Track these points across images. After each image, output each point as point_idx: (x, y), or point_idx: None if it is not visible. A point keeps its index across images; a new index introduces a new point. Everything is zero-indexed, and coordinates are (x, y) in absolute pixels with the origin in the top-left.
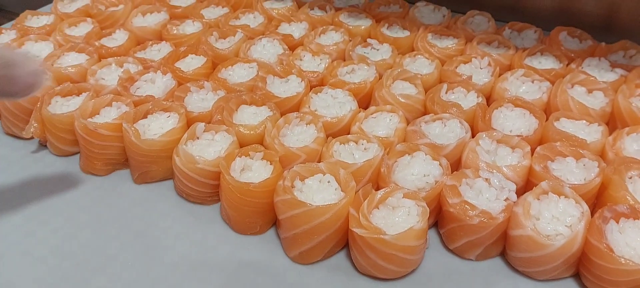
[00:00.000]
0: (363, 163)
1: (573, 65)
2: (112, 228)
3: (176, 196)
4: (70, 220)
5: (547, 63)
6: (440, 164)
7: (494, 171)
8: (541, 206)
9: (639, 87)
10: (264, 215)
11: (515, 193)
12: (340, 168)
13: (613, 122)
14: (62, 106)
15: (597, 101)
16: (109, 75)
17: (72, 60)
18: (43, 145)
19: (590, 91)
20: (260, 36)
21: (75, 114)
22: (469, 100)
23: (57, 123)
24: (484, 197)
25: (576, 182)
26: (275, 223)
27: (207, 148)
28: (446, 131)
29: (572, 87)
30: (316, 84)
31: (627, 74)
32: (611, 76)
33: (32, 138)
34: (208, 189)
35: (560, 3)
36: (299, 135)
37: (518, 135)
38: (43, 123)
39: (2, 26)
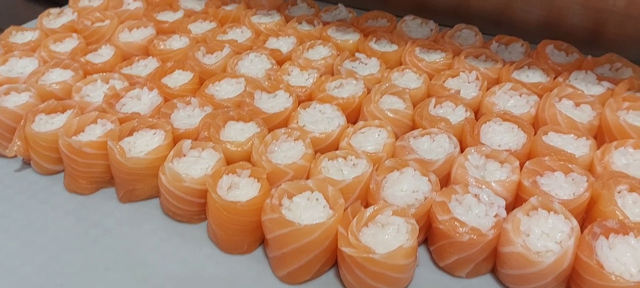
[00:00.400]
0: (352, 180)
1: (560, 79)
2: (97, 247)
3: (162, 214)
4: (55, 239)
5: (534, 76)
6: (429, 180)
7: (483, 187)
8: (531, 222)
9: (626, 100)
10: (251, 234)
11: (505, 208)
12: (328, 185)
13: (601, 135)
14: (46, 124)
15: (584, 115)
16: (94, 92)
17: (57, 77)
18: (27, 163)
19: (577, 104)
20: (248, 51)
21: (60, 132)
22: (457, 115)
23: (40, 141)
24: (474, 213)
25: (565, 197)
26: (263, 242)
27: (194, 165)
28: (435, 146)
29: (560, 100)
30: (304, 99)
31: (613, 87)
32: (598, 89)
33: (15, 156)
34: (195, 207)
35: (547, 16)
36: (287, 152)
37: (506, 150)
38: (27, 141)
39: None
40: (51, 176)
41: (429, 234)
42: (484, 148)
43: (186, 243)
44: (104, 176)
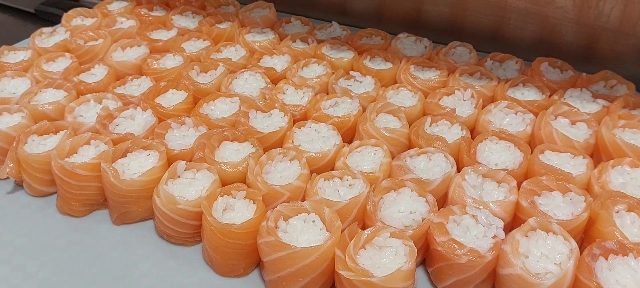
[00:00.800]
0: (348, 201)
1: (555, 97)
2: (90, 271)
3: (157, 237)
4: (48, 263)
5: (529, 94)
6: (426, 201)
7: (481, 207)
8: (529, 243)
9: (621, 118)
10: (247, 257)
11: (503, 229)
12: (325, 206)
13: (597, 153)
14: (39, 145)
15: (580, 133)
16: (88, 112)
17: (50, 97)
18: (19, 185)
19: (573, 123)
20: (243, 69)
21: (52, 153)
22: (453, 133)
23: (33, 163)
24: (472, 234)
25: (563, 217)
26: (259, 264)
27: (188, 187)
28: (431, 165)
29: (556, 118)
30: (299, 118)
31: (609, 105)
32: (593, 107)
33: (7, 178)
34: (189, 230)
35: (540, 34)
36: (282, 172)
37: (503, 170)
38: (19, 163)
39: None
40: (44, 198)
41: (427, 255)
42: (481, 167)
43: (181, 267)
44: (97, 198)
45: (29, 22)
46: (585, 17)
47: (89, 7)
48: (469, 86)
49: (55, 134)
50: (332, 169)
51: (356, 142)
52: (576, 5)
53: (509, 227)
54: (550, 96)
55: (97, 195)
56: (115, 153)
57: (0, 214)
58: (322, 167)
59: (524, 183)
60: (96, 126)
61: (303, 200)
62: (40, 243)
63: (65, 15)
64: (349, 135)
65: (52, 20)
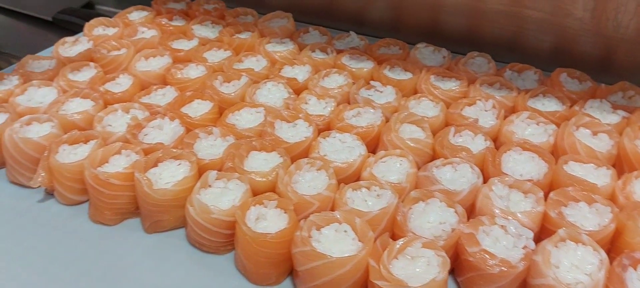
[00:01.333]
0: (379, 212)
1: (576, 107)
2: (124, 280)
3: (188, 245)
4: (81, 273)
5: (550, 105)
6: (456, 211)
7: (510, 218)
8: (560, 254)
9: None
10: (280, 266)
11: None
12: (356, 216)
13: (619, 164)
14: (70, 154)
15: (602, 144)
16: (116, 122)
17: (77, 107)
18: (49, 194)
19: (595, 133)
20: (265, 80)
21: (85, 163)
22: (477, 144)
23: (65, 172)
24: (502, 244)
25: (591, 228)
26: (291, 273)
27: (221, 197)
28: (457, 176)
29: (577, 129)
30: (323, 128)
31: (629, 116)
32: (614, 118)
33: (39, 187)
34: (222, 239)
35: (558, 44)
36: (310, 182)
37: (529, 180)
38: (51, 172)
39: (3, 71)
40: (74, 206)
41: (456, 265)
42: (507, 178)
43: (214, 275)
44: (129, 207)
45: (46, 30)
46: (604, 28)
47: (105, 16)
48: (490, 97)
49: (85, 143)
50: (358, 179)
51: (381, 152)
52: (595, 17)
53: (535, 238)
54: (570, 107)
55: (129, 204)
56: (147, 163)
57: (33, 223)
58: (348, 177)
59: (551, 194)
60: (126, 136)
61: (331, 210)
62: (74, 252)
63: (87, 24)
64: (372, 145)
65: (69, 28)
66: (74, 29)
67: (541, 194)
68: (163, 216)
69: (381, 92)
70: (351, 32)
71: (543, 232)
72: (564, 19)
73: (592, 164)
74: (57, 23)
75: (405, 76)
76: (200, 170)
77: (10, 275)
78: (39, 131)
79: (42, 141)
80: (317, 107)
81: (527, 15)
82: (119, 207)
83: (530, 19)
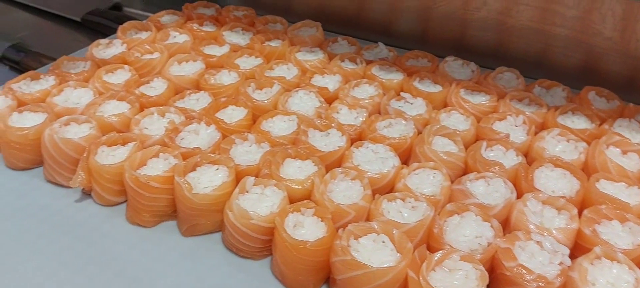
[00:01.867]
0: (416, 224)
1: (606, 126)
2: (160, 283)
3: (225, 249)
4: (120, 274)
5: (579, 122)
6: (491, 226)
7: (546, 234)
8: (595, 271)
9: None
10: (317, 273)
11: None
12: (393, 228)
13: None
14: (108, 156)
15: (632, 163)
16: (152, 125)
17: (114, 109)
18: (86, 194)
19: (624, 152)
20: (297, 88)
21: (126, 165)
22: (509, 158)
23: (104, 173)
24: (538, 260)
25: (624, 247)
26: (326, 281)
27: (258, 203)
28: (491, 190)
29: (608, 147)
30: (355, 138)
31: None
32: None
33: (78, 187)
34: (259, 244)
35: (585, 62)
36: (345, 191)
37: (562, 197)
38: (90, 172)
39: (38, 70)
40: (111, 207)
41: (491, 280)
42: (541, 194)
43: (250, 280)
44: (166, 210)
45: (74, 30)
46: (633, 49)
47: (133, 17)
48: (520, 112)
49: (123, 145)
50: (391, 189)
51: (415, 164)
52: (624, 37)
53: (569, 255)
54: (599, 125)
55: (167, 206)
56: (186, 167)
57: (71, 223)
58: (381, 188)
59: (585, 211)
60: (165, 140)
61: (366, 220)
62: (110, 253)
63: (120, 27)
64: (404, 156)
65: (97, 29)
66: (102, 30)
67: (575, 211)
68: (201, 220)
69: (411, 103)
70: (379, 43)
71: (576, 249)
72: (593, 38)
73: (624, 183)
74: (86, 24)
75: (435, 89)
76: (237, 175)
77: (48, 273)
78: (77, 132)
79: (82, 142)
80: (349, 116)
81: (555, 33)
82: (157, 210)
83: (558, 36)
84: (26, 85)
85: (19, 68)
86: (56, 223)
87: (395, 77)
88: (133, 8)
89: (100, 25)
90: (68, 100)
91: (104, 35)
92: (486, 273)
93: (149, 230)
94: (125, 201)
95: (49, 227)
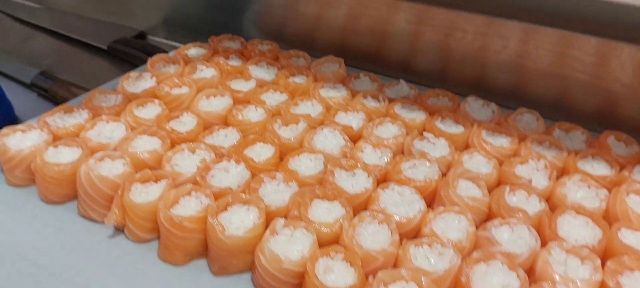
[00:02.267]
0: (444, 272)
1: (626, 173)
2: None
3: None
4: None
5: (599, 168)
6: (518, 275)
7: (571, 285)
8: None
9: None
10: None
11: None
12: (422, 275)
13: None
14: (142, 193)
15: None
16: (183, 162)
17: (146, 144)
18: (119, 230)
19: None
20: (322, 126)
21: (160, 205)
22: (532, 204)
23: (139, 211)
24: None
25: None
26: None
27: (289, 245)
28: (515, 237)
29: (628, 195)
30: (380, 179)
31: None
32: None
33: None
34: (290, 287)
35: (603, 106)
36: (373, 235)
37: (585, 246)
38: (123, 209)
39: (69, 102)
40: (143, 244)
41: None
42: (565, 243)
43: None
44: (198, 249)
45: (100, 57)
46: None
47: (157, 46)
48: (541, 156)
49: (156, 182)
50: (417, 233)
51: (440, 208)
52: None
53: None
54: (619, 171)
55: (198, 246)
56: (218, 207)
57: (105, 259)
58: (407, 232)
59: (608, 262)
60: (196, 178)
61: (394, 265)
62: None
63: (149, 60)
64: (429, 199)
65: (123, 58)
66: (127, 59)
67: (598, 262)
68: (232, 260)
69: (434, 144)
70: (401, 80)
71: None
72: (611, 84)
73: None
74: (112, 52)
75: (457, 129)
76: (267, 216)
77: None
78: (111, 168)
79: (117, 179)
80: (373, 156)
81: (573, 77)
82: (189, 248)
83: (576, 80)
84: (60, 119)
85: (47, 95)
86: (90, 258)
87: (418, 117)
88: (157, 36)
89: (126, 54)
90: (101, 135)
91: (130, 64)
92: None
93: (180, 268)
94: (157, 238)
95: (84, 263)
